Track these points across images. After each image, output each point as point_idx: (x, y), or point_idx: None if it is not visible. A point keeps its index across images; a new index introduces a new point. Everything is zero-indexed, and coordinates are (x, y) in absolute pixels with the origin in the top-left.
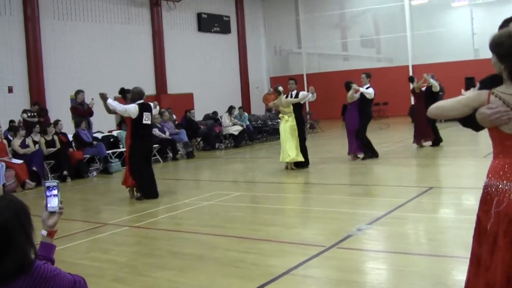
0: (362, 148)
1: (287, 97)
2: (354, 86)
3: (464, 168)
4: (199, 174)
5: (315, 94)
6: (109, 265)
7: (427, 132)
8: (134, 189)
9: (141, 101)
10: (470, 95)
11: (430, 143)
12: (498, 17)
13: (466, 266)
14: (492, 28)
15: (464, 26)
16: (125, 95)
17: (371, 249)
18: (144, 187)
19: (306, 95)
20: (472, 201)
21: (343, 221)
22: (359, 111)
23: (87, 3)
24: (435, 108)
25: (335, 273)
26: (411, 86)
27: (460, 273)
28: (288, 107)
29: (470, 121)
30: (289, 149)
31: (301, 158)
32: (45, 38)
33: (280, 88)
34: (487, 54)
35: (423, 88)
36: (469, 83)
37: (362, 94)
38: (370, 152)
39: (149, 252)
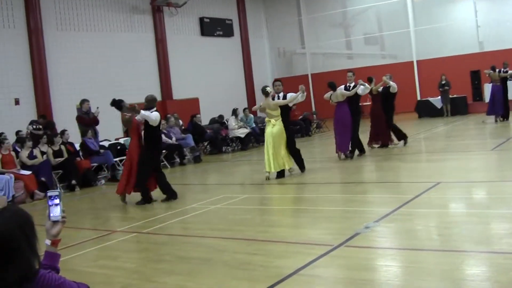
0: (348, 145)
1: (273, 99)
2: (361, 81)
3: (472, 162)
4: (207, 178)
5: (305, 93)
6: (118, 272)
7: (380, 134)
8: (126, 194)
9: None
10: None
11: (379, 144)
12: (502, 9)
13: (475, 260)
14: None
15: (468, 19)
16: (120, 105)
17: (379, 247)
18: (167, 191)
19: (295, 96)
20: (480, 195)
21: (350, 220)
22: (351, 109)
23: (89, 13)
24: None
25: (343, 272)
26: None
27: (469, 267)
28: (276, 110)
29: None
30: (280, 158)
31: (292, 163)
32: (49, 49)
33: (268, 89)
34: (492, 46)
35: (380, 89)
36: None
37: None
38: (358, 150)
39: (157, 257)
